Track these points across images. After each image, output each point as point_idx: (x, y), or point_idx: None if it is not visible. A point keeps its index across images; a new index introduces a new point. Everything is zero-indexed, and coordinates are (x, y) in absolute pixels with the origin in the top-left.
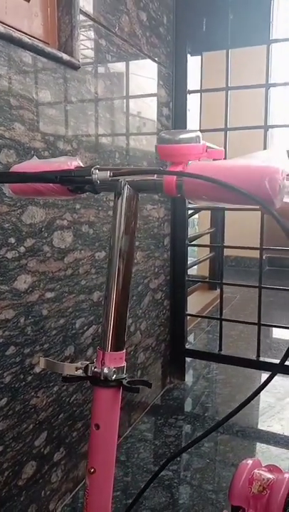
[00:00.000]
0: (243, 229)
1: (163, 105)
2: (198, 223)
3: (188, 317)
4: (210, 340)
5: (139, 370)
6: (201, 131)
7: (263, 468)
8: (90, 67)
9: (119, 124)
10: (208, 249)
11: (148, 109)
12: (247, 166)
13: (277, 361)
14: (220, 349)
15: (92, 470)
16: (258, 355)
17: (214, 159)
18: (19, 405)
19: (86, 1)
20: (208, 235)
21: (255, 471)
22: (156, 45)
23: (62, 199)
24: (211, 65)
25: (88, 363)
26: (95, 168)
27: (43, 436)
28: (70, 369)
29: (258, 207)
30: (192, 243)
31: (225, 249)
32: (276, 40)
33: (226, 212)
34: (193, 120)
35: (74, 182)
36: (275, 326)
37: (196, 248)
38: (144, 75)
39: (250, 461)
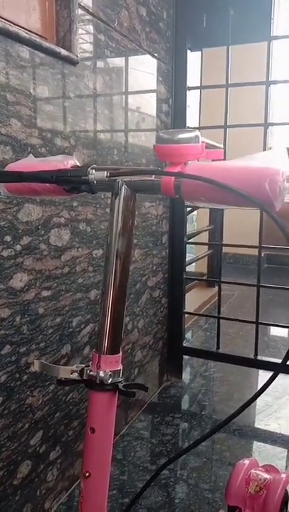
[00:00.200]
0: (242, 226)
1: (162, 101)
2: (196, 219)
3: (186, 315)
4: (208, 337)
5: (136, 368)
6: (200, 128)
7: (260, 468)
8: (89, 63)
9: (118, 121)
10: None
11: (147, 105)
12: (246, 168)
13: (275, 360)
14: (218, 347)
15: (87, 474)
16: (256, 354)
17: (213, 159)
18: (15, 404)
19: None
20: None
21: (252, 471)
22: (156, 40)
23: (58, 198)
24: (211, 61)
25: (84, 366)
26: (92, 168)
27: (38, 435)
28: (66, 372)
29: (257, 208)
30: (191, 241)
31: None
32: (277, 37)
33: (225, 209)
34: (192, 116)
35: (70, 182)
36: (273, 325)
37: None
38: (143, 70)
39: (246, 461)
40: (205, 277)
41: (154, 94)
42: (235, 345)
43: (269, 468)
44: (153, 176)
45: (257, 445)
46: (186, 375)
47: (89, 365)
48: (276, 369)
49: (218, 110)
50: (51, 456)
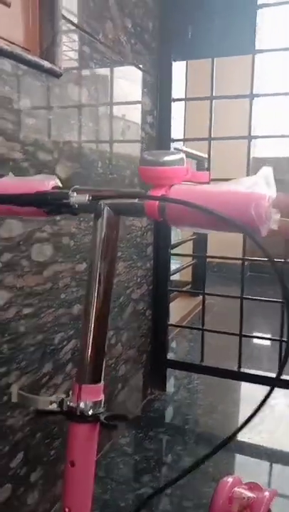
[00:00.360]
0: (227, 234)
1: (147, 113)
2: None
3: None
4: (191, 349)
5: (119, 383)
6: (185, 140)
7: (243, 486)
8: (73, 75)
9: (102, 133)
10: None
11: (132, 117)
12: (232, 192)
13: (258, 372)
14: (202, 360)
15: (66, 510)
16: (240, 367)
17: (199, 182)
18: None
19: (69, 7)
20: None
21: (236, 489)
22: (141, 52)
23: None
24: (197, 71)
25: (63, 396)
26: (73, 191)
27: (19, 457)
28: (44, 403)
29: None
30: (175, 252)
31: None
32: (261, 51)
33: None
34: (178, 127)
35: (50, 205)
36: (256, 337)
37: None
38: (128, 82)
39: (230, 479)
40: (189, 287)
41: (139, 106)
42: (220, 356)
43: (253, 486)
44: (137, 199)
45: (240, 459)
46: (170, 388)
47: (69, 396)
48: (272, 384)
49: (204, 120)
50: (32, 478)
